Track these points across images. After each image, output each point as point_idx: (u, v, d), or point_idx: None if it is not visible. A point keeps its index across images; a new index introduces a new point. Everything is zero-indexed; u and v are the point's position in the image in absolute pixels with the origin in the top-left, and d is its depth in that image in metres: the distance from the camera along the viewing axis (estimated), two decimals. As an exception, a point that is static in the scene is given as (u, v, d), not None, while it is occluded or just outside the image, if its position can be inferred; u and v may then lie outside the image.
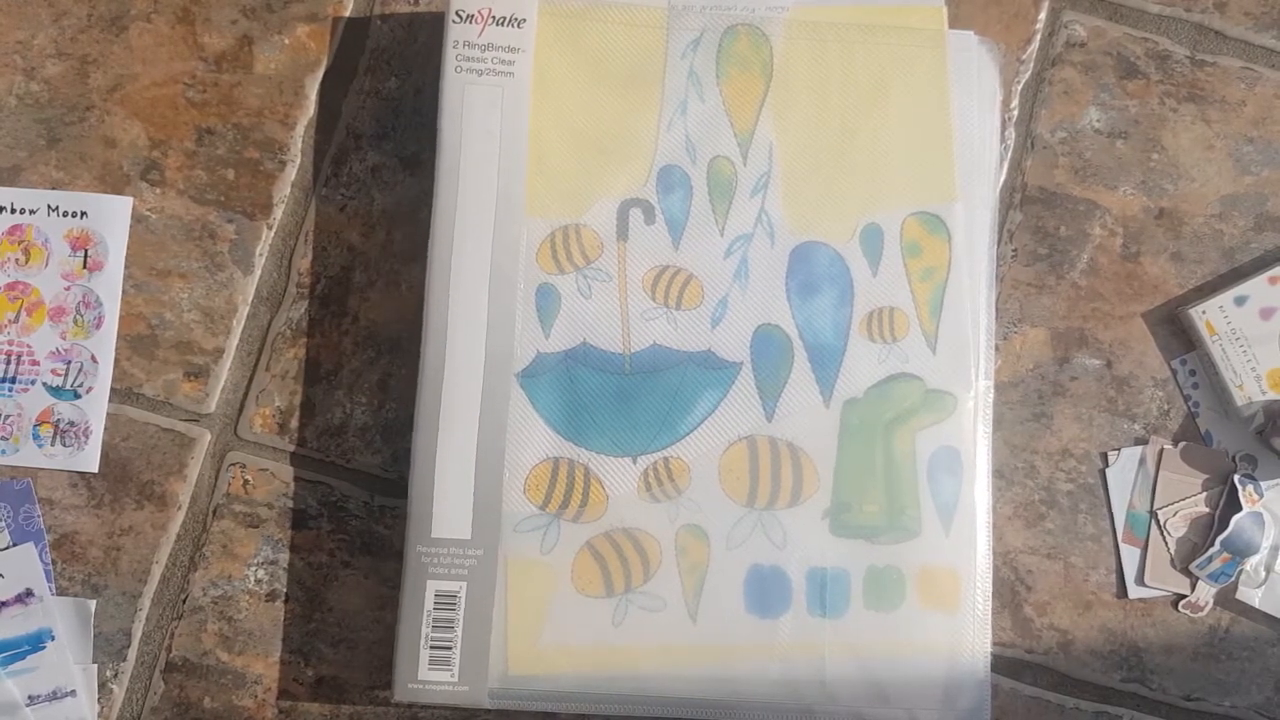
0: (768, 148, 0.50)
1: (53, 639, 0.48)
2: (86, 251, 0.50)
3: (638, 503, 0.48)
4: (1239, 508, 0.51)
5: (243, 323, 0.51)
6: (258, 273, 0.51)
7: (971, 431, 0.50)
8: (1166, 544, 0.52)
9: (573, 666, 0.47)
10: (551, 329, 0.49)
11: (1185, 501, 0.52)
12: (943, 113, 0.51)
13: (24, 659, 0.47)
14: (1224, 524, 0.51)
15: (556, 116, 0.50)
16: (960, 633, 0.48)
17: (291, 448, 0.50)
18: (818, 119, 0.51)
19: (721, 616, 0.48)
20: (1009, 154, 0.54)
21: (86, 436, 0.49)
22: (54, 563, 0.49)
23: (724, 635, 0.48)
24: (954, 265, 0.50)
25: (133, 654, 0.49)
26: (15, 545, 0.48)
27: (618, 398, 0.48)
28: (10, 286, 0.50)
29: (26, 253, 0.50)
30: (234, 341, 0.51)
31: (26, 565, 0.48)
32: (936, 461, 0.49)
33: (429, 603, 0.46)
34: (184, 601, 0.50)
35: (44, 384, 0.49)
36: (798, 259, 0.50)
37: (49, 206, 0.50)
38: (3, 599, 0.48)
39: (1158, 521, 0.52)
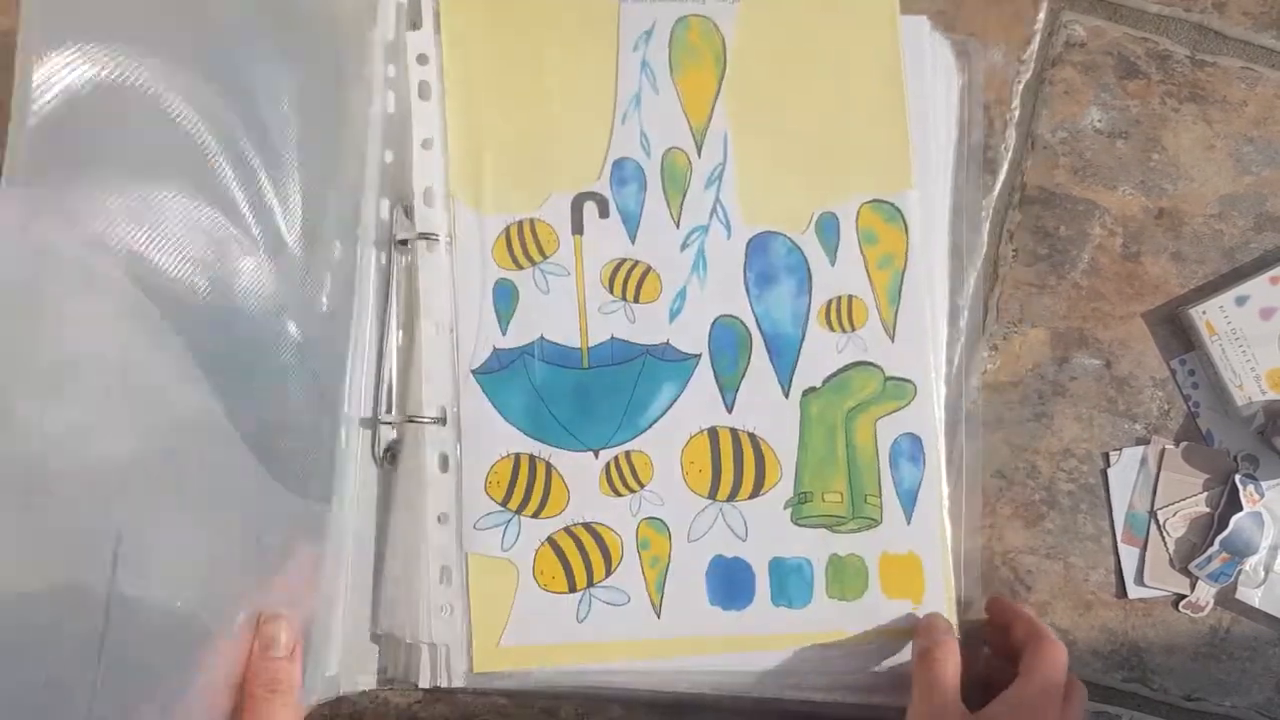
0: (722, 138, 0.50)
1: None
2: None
3: (599, 497, 0.48)
4: (1239, 508, 0.51)
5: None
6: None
7: (932, 419, 0.50)
8: (1166, 544, 0.52)
9: (538, 663, 0.47)
10: (509, 325, 0.48)
11: (1185, 501, 0.52)
12: (896, 100, 0.51)
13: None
14: (1224, 524, 0.51)
15: (503, 112, 0.49)
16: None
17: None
18: (771, 109, 0.51)
19: (685, 609, 0.48)
20: (1009, 154, 0.54)
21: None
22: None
23: (688, 627, 0.48)
24: (911, 253, 0.50)
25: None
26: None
27: (577, 392, 0.48)
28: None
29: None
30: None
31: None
32: (898, 449, 0.49)
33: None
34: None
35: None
36: (755, 249, 0.50)
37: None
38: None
39: (1157, 521, 0.52)
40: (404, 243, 0.49)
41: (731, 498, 0.49)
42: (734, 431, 0.49)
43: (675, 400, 0.49)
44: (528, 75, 0.50)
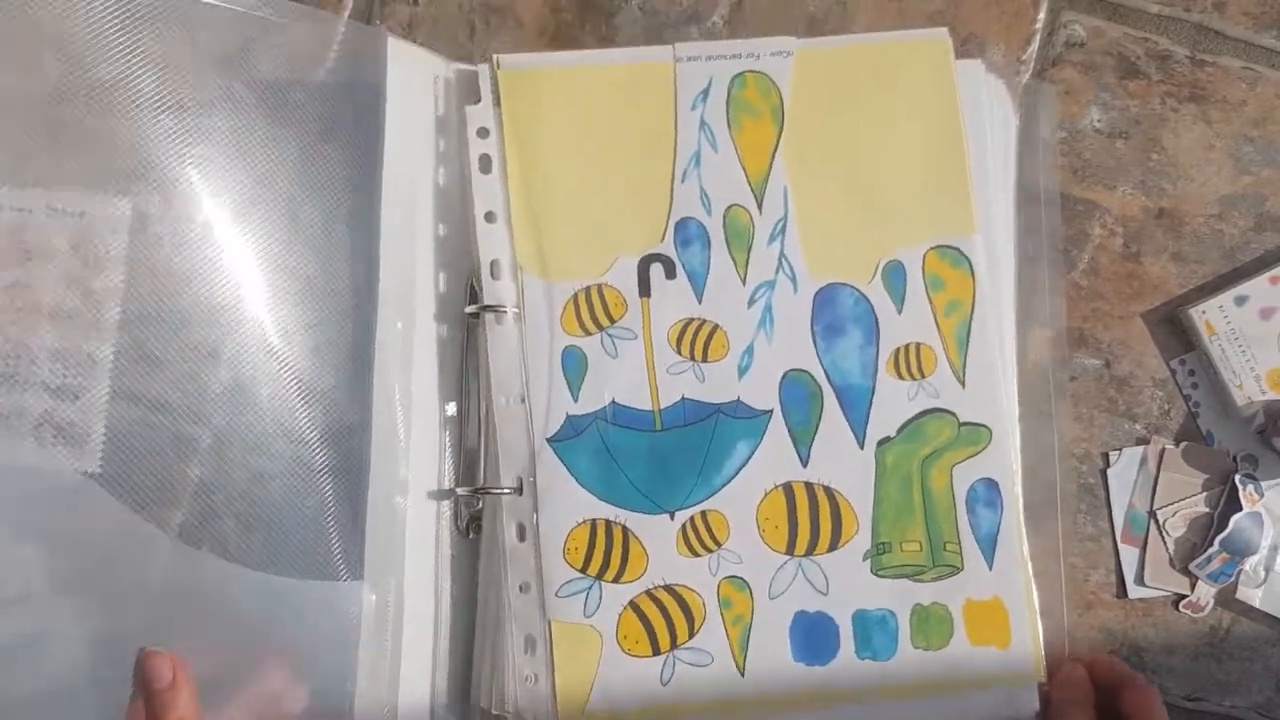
0: (782, 193, 0.50)
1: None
2: (87, 251, 0.50)
3: (678, 559, 0.47)
4: (1239, 508, 0.51)
5: (241, 318, 0.51)
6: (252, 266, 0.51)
7: (1008, 462, 0.49)
8: (1166, 544, 0.52)
9: None
10: (580, 391, 0.48)
11: (1185, 501, 0.52)
12: (956, 145, 0.51)
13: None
14: (1223, 524, 0.51)
15: (565, 180, 0.49)
16: (1012, 666, 0.48)
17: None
18: (831, 160, 0.50)
19: (770, 667, 0.47)
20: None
21: (87, 437, 0.49)
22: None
23: (774, 685, 0.47)
24: (978, 297, 0.50)
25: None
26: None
27: (651, 455, 0.48)
28: (10, 286, 0.50)
29: (27, 253, 0.50)
30: (229, 338, 0.51)
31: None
32: (975, 495, 0.49)
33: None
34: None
35: (44, 384, 0.49)
36: (822, 302, 0.50)
37: (49, 207, 0.50)
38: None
39: (1157, 521, 0.52)
40: (475, 316, 0.49)
41: (810, 552, 0.48)
42: (809, 485, 0.48)
43: (749, 457, 0.48)
44: (588, 142, 0.50)
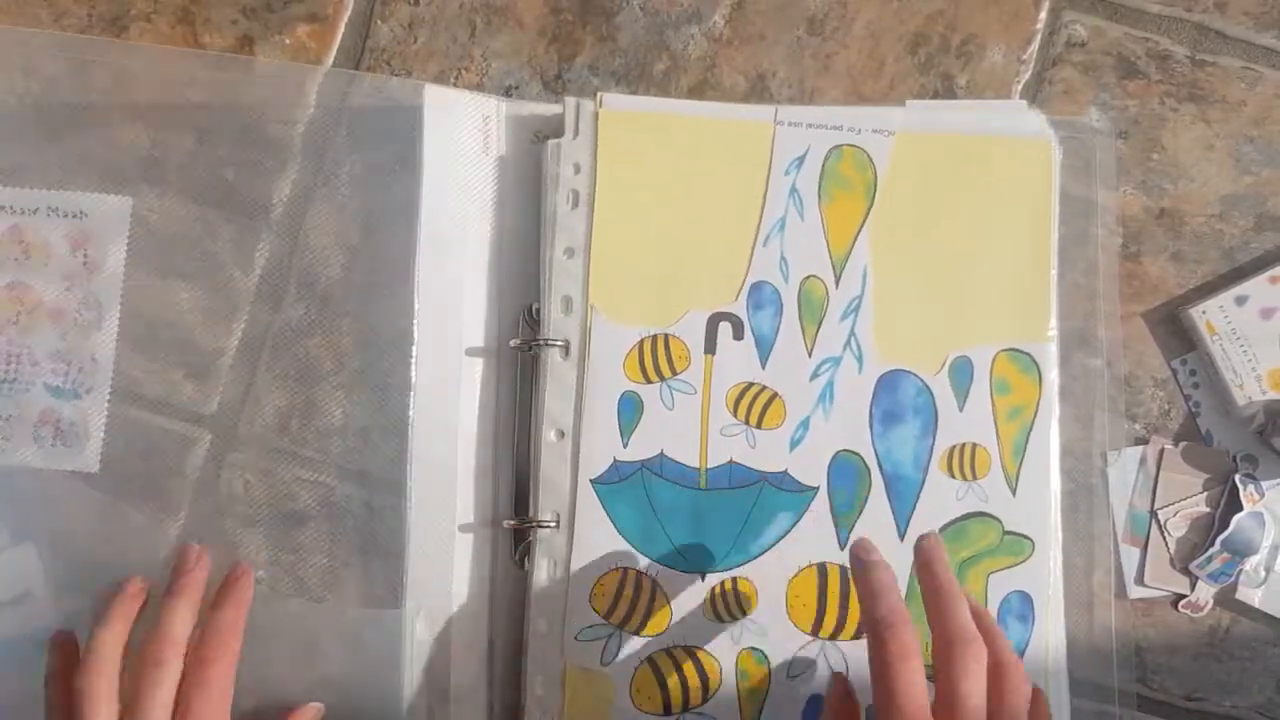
0: (862, 271, 0.50)
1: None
2: (86, 251, 0.50)
3: (702, 621, 0.47)
4: (1239, 507, 0.51)
5: (243, 323, 0.51)
6: (258, 272, 0.51)
7: (1046, 578, 0.49)
8: (1166, 544, 0.52)
9: None
10: (630, 438, 0.48)
11: (1185, 501, 0.52)
12: (1044, 249, 0.50)
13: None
14: (1224, 524, 0.51)
15: (649, 225, 0.49)
16: None
17: (293, 448, 0.50)
18: (916, 247, 0.50)
19: None
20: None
21: (87, 437, 0.49)
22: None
23: None
24: (1042, 406, 0.50)
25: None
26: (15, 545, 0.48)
27: (692, 512, 0.48)
28: (10, 287, 0.50)
29: (26, 253, 0.50)
30: (234, 342, 0.51)
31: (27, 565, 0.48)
32: (1008, 606, 0.49)
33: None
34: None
35: (44, 384, 0.49)
36: (884, 387, 0.49)
37: (49, 207, 0.50)
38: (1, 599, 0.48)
39: (1158, 521, 0.52)
40: (528, 348, 0.49)
41: (834, 636, 0.48)
42: (844, 569, 0.48)
43: (788, 531, 0.48)
44: (678, 191, 0.49)
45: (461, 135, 0.51)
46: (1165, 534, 0.52)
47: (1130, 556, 0.52)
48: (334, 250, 0.51)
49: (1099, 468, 0.52)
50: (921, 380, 0.49)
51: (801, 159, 0.50)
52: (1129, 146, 0.54)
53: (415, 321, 0.49)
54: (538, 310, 0.49)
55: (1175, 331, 0.53)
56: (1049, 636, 0.49)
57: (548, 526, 0.47)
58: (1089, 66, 0.54)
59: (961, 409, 0.49)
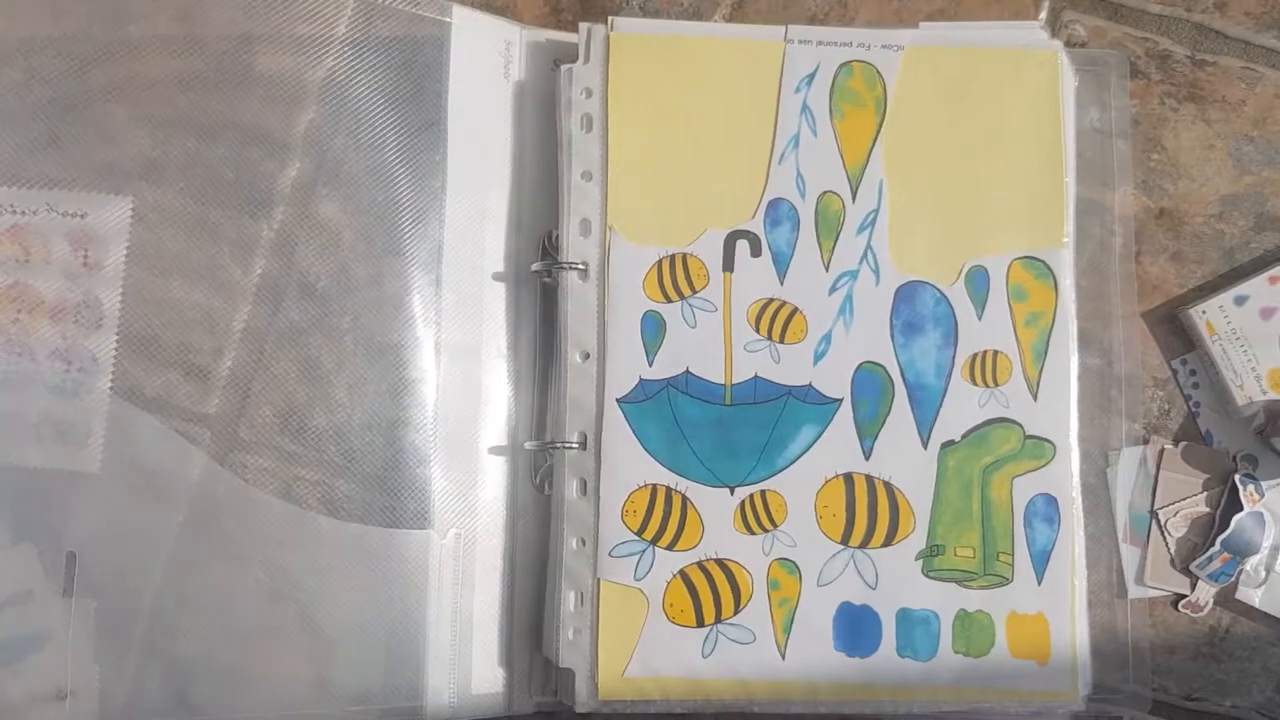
0: (878, 185, 0.50)
1: (52, 640, 0.48)
2: (87, 251, 0.50)
3: (733, 534, 0.48)
4: (1240, 507, 0.51)
5: (244, 322, 0.51)
6: (258, 272, 0.51)
7: (1069, 480, 0.49)
8: (1167, 544, 0.52)
9: (660, 695, 0.47)
10: (655, 357, 0.49)
11: (1186, 501, 0.52)
12: (1055, 157, 0.51)
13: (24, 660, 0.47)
14: (1224, 524, 0.51)
15: (664, 146, 0.50)
16: (1049, 683, 0.48)
17: (294, 448, 0.50)
18: (929, 158, 0.50)
19: (810, 653, 0.47)
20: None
21: (87, 437, 0.49)
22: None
23: (812, 671, 0.47)
24: (1059, 312, 0.50)
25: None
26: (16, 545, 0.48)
27: (718, 428, 0.48)
28: (10, 286, 0.50)
29: (26, 253, 0.50)
30: (234, 341, 0.51)
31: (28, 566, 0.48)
32: (1033, 509, 0.49)
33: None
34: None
35: (44, 384, 0.49)
36: (903, 298, 0.50)
37: (49, 206, 0.50)
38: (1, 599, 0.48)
39: (1158, 521, 0.52)
40: (549, 272, 0.50)
41: (864, 545, 0.48)
42: (870, 479, 0.49)
43: (814, 443, 0.49)
44: (691, 112, 0.50)
45: (484, 58, 0.51)
46: (1165, 534, 0.52)
47: (1131, 556, 0.52)
48: (363, 179, 0.51)
49: (1099, 467, 0.52)
50: (939, 290, 0.50)
51: (811, 76, 0.50)
52: (1129, 147, 0.54)
53: (443, 246, 0.50)
54: (557, 237, 0.50)
55: (1175, 331, 0.53)
56: (1071, 537, 0.49)
57: (573, 447, 0.48)
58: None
59: (980, 317, 0.50)
